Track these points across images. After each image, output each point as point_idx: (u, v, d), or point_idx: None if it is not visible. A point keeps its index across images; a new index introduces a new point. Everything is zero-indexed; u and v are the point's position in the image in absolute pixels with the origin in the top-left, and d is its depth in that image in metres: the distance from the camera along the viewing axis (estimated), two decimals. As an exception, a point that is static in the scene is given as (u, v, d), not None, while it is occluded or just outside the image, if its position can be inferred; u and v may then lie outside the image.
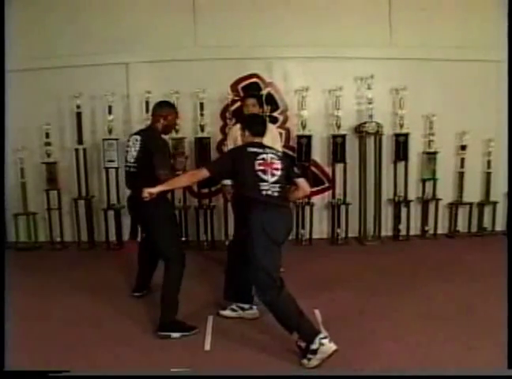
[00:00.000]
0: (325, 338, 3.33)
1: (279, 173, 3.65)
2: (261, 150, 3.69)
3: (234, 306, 4.15)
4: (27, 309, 4.25)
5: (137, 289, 4.65)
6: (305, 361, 3.35)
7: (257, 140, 3.82)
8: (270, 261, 3.56)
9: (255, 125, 3.93)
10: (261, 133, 3.87)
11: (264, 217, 3.54)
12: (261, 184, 3.58)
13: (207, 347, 3.63)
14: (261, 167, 3.61)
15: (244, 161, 3.64)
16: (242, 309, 4.13)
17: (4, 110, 4.62)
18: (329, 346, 3.30)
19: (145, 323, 3.97)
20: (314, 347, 3.31)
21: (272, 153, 3.73)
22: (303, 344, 3.44)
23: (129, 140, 4.25)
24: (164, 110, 4.19)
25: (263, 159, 3.64)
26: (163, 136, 4.31)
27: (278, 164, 3.67)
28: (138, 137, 4.12)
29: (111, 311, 4.18)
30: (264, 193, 3.57)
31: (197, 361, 3.43)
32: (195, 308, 4.28)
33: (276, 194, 3.61)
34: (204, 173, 3.70)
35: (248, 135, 3.87)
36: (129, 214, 4.47)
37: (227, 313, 4.15)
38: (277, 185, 3.62)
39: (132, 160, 4.10)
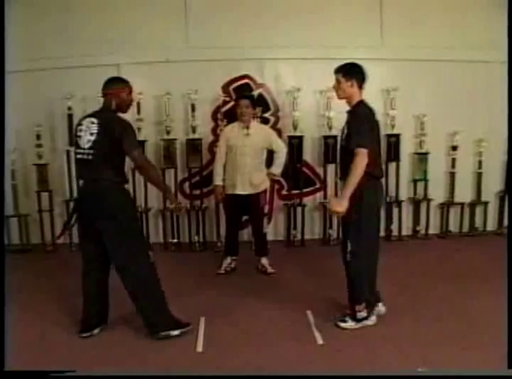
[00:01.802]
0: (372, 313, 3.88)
1: None
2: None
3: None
4: (20, 310, 4.23)
5: (87, 326, 3.88)
6: (345, 324, 3.88)
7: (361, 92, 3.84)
8: None
9: (361, 74, 3.83)
10: None
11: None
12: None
13: (199, 348, 3.62)
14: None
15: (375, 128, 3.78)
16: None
17: (4, 111, 4.57)
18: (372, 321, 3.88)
19: (138, 324, 3.95)
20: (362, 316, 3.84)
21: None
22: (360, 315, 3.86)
23: (80, 124, 3.68)
24: (114, 88, 3.71)
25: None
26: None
27: None
28: (94, 120, 3.61)
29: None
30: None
31: (190, 362, 3.43)
32: (187, 309, 4.27)
33: None
34: (365, 157, 3.59)
35: (354, 85, 3.78)
36: (76, 210, 3.82)
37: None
38: None
39: (87, 146, 3.57)
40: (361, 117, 3.71)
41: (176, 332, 3.72)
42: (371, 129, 3.70)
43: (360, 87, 3.81)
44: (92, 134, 3.56)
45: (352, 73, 3.79)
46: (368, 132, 3.65)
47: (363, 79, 3.82)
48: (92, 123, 3.59)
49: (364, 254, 3.81)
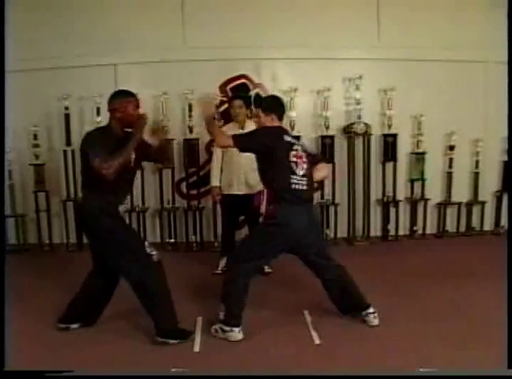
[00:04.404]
0: (236, 327, 3.68)
1: (306, 166, 3.73)
2: (294, 140, 3.76)
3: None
4: (18, 311, 4.22)
5: (67, 318, 3.91)
6: (214, 327, 3.77)
7: (280, 124, 3.83)
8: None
9: (281, 107, 3.87)
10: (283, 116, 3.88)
11: (287, 211, 3.65)
12: (292, 177, 3.64)
13: (196, 348, 3.61)
14: (294, 159, 3.67)
15: (279, 149, 3.65)
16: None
17: (4, 111, 4.55)
18: (235, 335, 3.68)
19: (134, 324, 3.95)
20: (226, 328, 3.68)
21: (300, 144, 3.81)
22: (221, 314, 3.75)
23: None
24: (117, 102, 3.54)
25: (296, 150, 3.70)
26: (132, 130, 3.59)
27: (304, 157, 3.75)
28: None
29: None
30: (293, 186, 3.64)
31: (187, 362, 3.41)
32: (184, 309, 4.26)
33: (304, 188, 3.69)
34: (229, 142, 3.65)
35: (274, 118, 3.77)
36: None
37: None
38: (305, 178, 3.71)
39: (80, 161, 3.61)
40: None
41: (174, 341, 3.60)
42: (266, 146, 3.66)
43: (280, 118, 3.85)
44: None
45: (271, 107, 3.83)
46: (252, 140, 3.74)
47: (282, 111, 3.89)
48: None
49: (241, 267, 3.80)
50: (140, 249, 3.62)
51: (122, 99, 3.57)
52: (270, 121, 3.78)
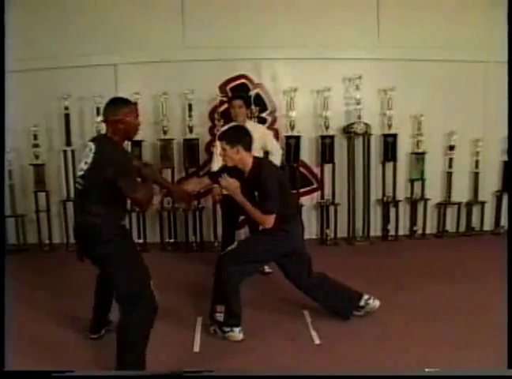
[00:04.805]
0: (237, 327, 3.72)
1: None
2: None
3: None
4: (15, 311, 4.22)
5: (94, 329, 3.82)
6: (213, 328, 3.82)
7: (252, 155, 3.79)
8: None
9: (246, 137, 3.73)
10: None
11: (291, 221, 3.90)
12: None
13: (196, 348, 3.63)
14: None
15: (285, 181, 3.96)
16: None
17: (4, 111, 4.52)
18: (236, 335, 3.72)
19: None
20: (226, 328, 3.72)
21: None
22: (219, 316, 3.74)
23: (86, 146, 3.24)
24: (119, 112, 3.16)
25: None
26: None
27: None
28: (93, 147, 3.14)
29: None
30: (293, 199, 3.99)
31: (187, 362, 3.42)
32: (184, 309, 4.27)
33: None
34: (271, 219, 3.65)
35: (240, 150, 3.64)
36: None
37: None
38: None
39: (79, 174, 3.21)
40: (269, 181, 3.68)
41: None
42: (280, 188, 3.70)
43: (248, 149, 3.71)
44: (86, 163, 3.15)
45: (235, 139, 3.68)
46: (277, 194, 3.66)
47: (249, 142, 3.73)
48: (90, 150, 3.15)
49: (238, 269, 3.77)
50: (144, 287, 3.25)
51: (123, 108, 3.21)
52: (236, 153, 3.64)
